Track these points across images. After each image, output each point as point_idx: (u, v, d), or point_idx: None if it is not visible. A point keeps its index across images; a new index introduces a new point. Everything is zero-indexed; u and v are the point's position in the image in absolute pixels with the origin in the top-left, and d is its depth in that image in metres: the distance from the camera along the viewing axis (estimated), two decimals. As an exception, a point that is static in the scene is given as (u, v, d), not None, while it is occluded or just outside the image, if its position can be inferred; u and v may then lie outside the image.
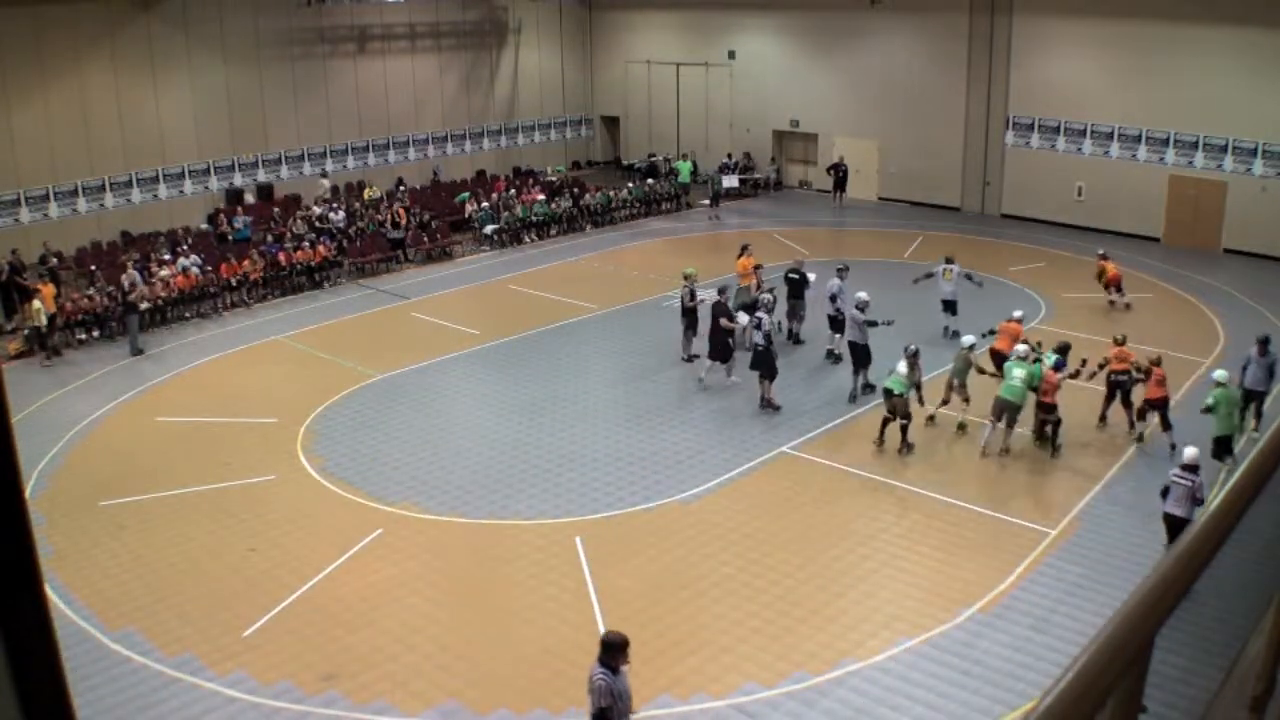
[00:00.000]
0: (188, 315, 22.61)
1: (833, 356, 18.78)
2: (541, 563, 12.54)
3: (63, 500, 14.37)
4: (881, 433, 15.26)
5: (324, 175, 30.55)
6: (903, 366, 15.08)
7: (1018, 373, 14.70)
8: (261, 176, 29.91)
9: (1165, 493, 11.65)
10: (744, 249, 20.75)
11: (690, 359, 19.04)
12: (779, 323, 20.14)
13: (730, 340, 17.62)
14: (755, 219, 29.85)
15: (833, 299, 18.60)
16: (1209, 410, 13.73)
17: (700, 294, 18.90)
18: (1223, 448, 13.65)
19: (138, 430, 16.85)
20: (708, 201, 31.68)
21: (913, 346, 15.43)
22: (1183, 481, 11.43)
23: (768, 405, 16.87)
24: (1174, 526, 11.35)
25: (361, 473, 15.03)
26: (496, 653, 10.85)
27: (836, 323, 18.56)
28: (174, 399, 18.17)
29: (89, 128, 26.08)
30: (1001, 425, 14.82)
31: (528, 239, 28.65)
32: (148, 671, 10.60)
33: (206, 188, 28.77)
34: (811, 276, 19.80)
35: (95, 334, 21.30)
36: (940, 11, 29.92)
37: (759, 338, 16.74)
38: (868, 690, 10.08)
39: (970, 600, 11.51)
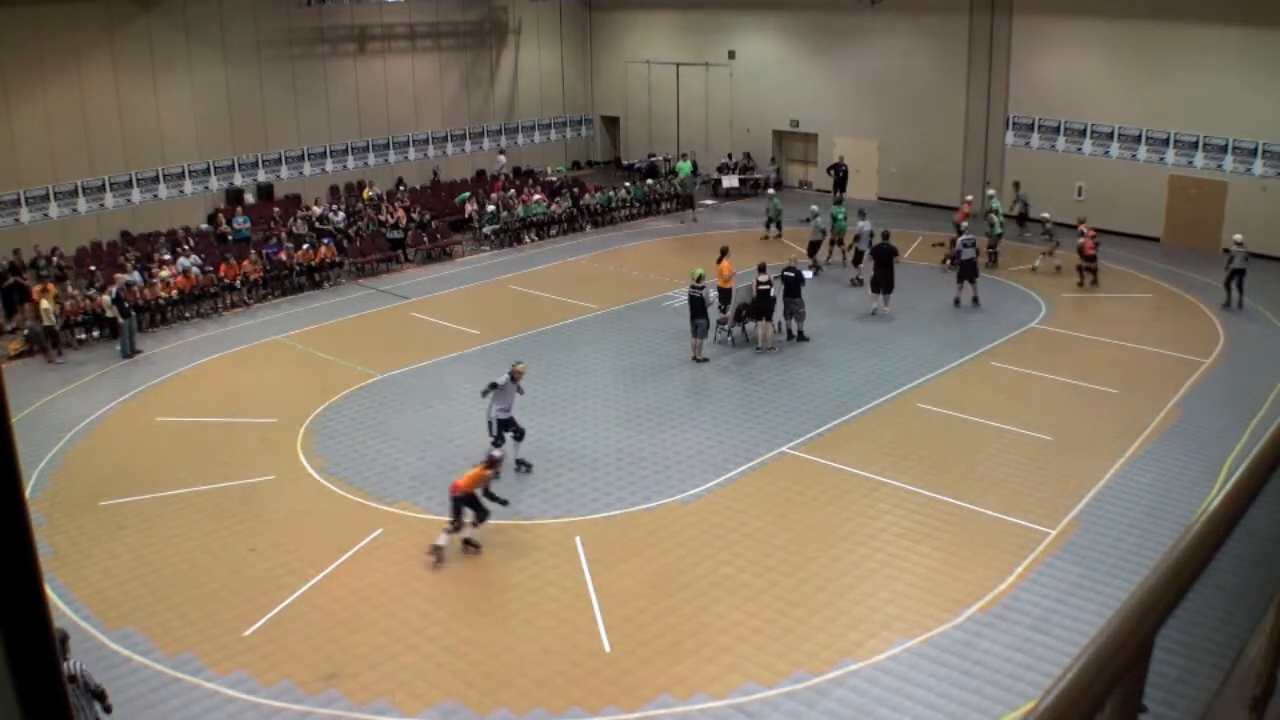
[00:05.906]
0: (188, 315, 22.61)
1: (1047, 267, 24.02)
2: (541, 563, 12.54)
3: (63, 500, 14.37)
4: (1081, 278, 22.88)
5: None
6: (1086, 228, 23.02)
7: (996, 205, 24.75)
8: (261, 176, 29.91)
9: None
10: (723, 252, 20.59)
11: (702, 360, 19.01)
12: (778, 323, 20.12)
13: (892, 278, 21.29)
14: (755, 219, 29.80)
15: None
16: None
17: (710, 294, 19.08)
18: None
19: (138, 430, 16.85)
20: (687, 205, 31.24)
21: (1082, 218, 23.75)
22: None
23: (976, 302, 21.72)
24: None
25: (361, 473, 15.03)
26: (496, 653, 10.85)
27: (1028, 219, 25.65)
28: (174, 399, 18.17)
29: (89, 128, 26.08)
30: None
31: (528, 239, 28.65)
32: (148, 671, 10.61)
33: (206, 188, 28.76)
34: (807, 274, 19.79)
35: (95, 334, 21.29)
36: (940, 11, 29.90)
37: (969, 253, 21.53)
38: (868, 690, 10.08)
39: (970, 600, 11.51)
